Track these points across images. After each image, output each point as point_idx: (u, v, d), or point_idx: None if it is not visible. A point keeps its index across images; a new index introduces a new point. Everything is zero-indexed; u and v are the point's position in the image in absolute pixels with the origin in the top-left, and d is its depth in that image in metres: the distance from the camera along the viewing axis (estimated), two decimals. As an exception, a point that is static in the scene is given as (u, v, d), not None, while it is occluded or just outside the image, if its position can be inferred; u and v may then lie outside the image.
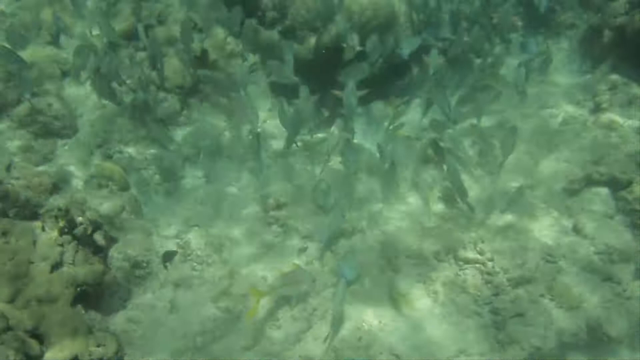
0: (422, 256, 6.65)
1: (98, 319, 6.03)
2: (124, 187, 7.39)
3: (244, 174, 8.11)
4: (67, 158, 7.91)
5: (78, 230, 5.90)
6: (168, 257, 6.76)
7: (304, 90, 7.99)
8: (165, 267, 6.69)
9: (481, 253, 6.48)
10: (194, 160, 8.37)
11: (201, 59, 8.75)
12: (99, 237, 5.99)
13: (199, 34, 8.81)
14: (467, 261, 6.48)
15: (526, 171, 7.50)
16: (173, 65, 8.58)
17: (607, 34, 8.89)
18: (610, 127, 7.76)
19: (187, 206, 7.59)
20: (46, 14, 8.87)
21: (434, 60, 8.33)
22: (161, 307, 6.40)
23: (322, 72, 8.63)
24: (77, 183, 7.54)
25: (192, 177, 8.20)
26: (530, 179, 7.42)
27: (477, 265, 6.42)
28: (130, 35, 8.92)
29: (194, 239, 6.96)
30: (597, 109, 8.13)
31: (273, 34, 8.99)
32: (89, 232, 5.95)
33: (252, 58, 9.15)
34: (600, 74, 8.65)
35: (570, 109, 8.42)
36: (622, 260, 6.57)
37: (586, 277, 6.50)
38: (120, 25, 8.90)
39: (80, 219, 6.00)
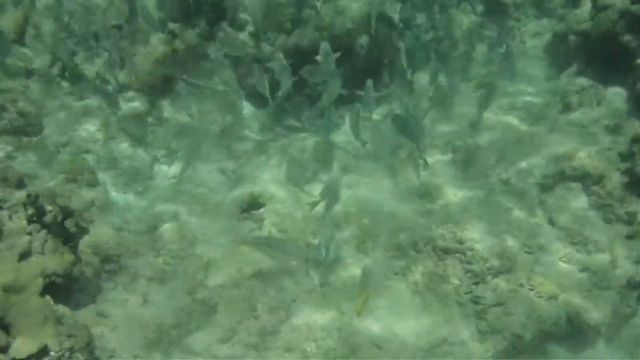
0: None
1: (67, 312, 5.75)
2: (93, 183, 7.15)
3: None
4: (32, 156, 7.64)
5: (48, 218, 5.64)
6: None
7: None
8: None
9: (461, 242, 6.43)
10: (162, 161, 8.23)
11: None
12: (70, 224, 5.74)
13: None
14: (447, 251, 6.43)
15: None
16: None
17: (572, 39, 9.09)
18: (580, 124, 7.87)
19: (158, 203, 7.40)
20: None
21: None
22: (133, 302, 6.15)
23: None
24: (44, 180, 7.28)
25: (162, 178, 8.05)
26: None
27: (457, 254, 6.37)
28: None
29: (166, 232, 6.75)
30: (566, 109, 8.23)
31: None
32: (59, 219, 5.70)
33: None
34: (567, 77, 8.80)
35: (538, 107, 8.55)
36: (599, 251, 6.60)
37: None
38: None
39: (49, 207, 5.74)
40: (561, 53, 9.38)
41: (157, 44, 8.48)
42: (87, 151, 7.94)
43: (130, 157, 8.05)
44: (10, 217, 5.67)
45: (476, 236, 6.48)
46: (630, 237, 6.69)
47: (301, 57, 8.48)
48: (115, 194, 7.51)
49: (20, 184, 6.79)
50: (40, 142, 7.83)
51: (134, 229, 6.84)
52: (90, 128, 8.11)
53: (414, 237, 6.62)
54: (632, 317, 6.21)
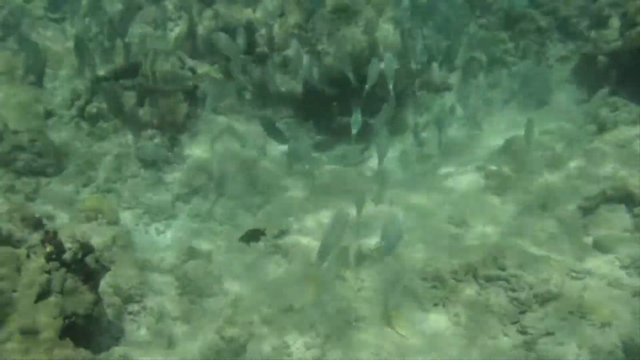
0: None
1: (88, 356, 5.41)
2: (114, 221, 6.89)
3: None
4: (52, 197, 7.44)
5: (67, 255, 5.36)
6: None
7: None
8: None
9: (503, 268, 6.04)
10: (184, 199, 7.99)
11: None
12: (91, 261, 5.44)
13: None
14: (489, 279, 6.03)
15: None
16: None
17: (601, 59, 8.83)
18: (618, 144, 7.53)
19: (182, 240, 7.13)
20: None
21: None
22: (158, 343, 5.80)
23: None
24: (63, 220, 7.05)
25: (185, 215, 7.80)
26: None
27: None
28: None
29: (191, 270, 6.42)
30: (601, 129, 7.91)
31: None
32: (79, 256, 5.41)
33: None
34: (599, 98, 8.50)
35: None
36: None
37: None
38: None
39: (69, 244, 5.46)
40: (590, 75, 9.11)
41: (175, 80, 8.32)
42: (108, 191, 7.73)
43: (152, 195, 7.81)
44: (28, 256, 5.41)
45: (518, 262, 6.08)
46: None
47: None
48: (137, 232, 7.23)
49: (38, 225, 6.57)
50: (60, 182, 7.62)
51: (157, 267, 6.53)
52: (110, 167, 7.91)
53: (453, 265, 6.23)
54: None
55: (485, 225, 6.96)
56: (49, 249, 5.39)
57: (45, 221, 6.68)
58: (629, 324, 5.63)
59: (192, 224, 7.69)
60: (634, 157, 7.28)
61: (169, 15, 9.28)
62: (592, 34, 9.17)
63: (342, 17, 8.73)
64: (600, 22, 9.15)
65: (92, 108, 8.32)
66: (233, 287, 6.32)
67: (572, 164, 7.55)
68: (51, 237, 5.39)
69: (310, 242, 6.76)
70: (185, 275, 6.30)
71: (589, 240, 6.69)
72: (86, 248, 5.51)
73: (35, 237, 6.34)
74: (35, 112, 8.11)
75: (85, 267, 5.44)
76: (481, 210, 7.16)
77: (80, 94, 8.38)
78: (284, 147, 8.40)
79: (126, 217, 7.54)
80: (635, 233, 6.65)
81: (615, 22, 8.86)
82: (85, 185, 7.74)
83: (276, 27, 8.90)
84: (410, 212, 7.18)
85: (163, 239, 7.55)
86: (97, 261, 5.50)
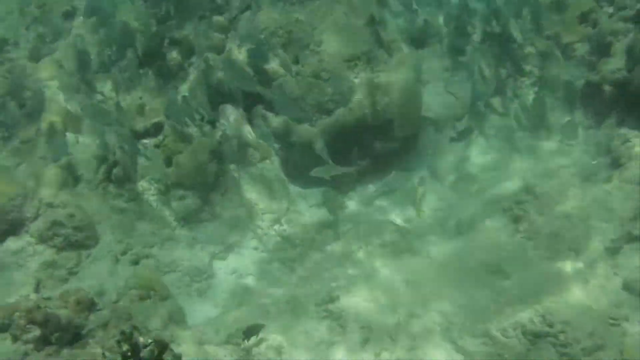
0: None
1: None
2: (165, 296, 7.04)
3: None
4: (94, 270, 7.55)
5: (145, 354, 5.51)
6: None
7: None
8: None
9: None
10: (220, 256, 8.16)
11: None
12: (169, 358, 5.61)
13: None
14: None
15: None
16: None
17: (607, 89, 9.11)
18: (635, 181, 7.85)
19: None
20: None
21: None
22: None
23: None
24: (111, 295, 7.16)
25: (223, 275, 7.98)
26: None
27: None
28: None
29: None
30: (615, 164, 8.23)
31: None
32: (156, 354, 5.57)
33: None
34: (608, 128, 8.82)
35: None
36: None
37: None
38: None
39: (142, 339, 5.61)
40: (596, 102, 9.37)
41: (201, 139, 8.42)
42: (147, 256, 7.85)
43: (189, 257, 7.97)
44: (104, 356, 5.56)
45: (565, 317, 6.42)
46: None
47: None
48: (183, 302, 7.38)
49: (92, 307, 6.72)
50: (99, 253, 7.72)
51: (214, 341, 6.72)
52: (145, 232, 8.03)
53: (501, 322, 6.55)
54: None
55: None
56: (124, 347, 5.54)
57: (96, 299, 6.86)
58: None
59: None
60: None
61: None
62: (596, 61, 9.44)
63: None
64: (602, 49, 9.43)
65: (118, 171, 8.39)
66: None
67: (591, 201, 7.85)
68: (128, 336, 5.53)
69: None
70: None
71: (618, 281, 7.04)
72: (162, 345, 5.67)
73: (93, 319, 6.54)
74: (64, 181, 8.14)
75: (162, 363, 5.60)
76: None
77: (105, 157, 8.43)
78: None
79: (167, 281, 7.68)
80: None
81: (618, 49, 9.13)
82: (123, 254, 7.83)
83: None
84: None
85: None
86: (175, 357, 5.67)
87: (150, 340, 5.62)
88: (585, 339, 6.26)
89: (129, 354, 5.54)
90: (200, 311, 7.41)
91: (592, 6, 9.95)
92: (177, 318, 6.83)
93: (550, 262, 7.30)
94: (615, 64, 9.07)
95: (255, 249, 8.27)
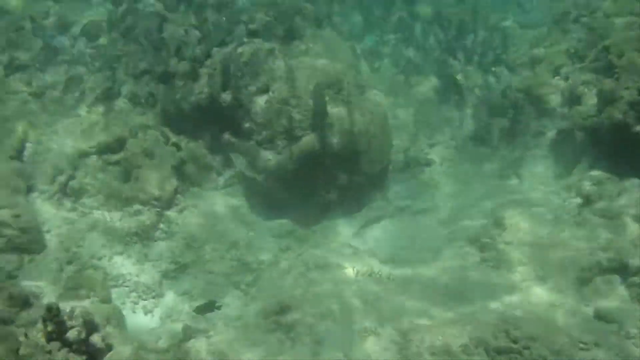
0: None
1: None
2: (106, 299, 6.58)
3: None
4: (35, 275, 7.08)
5: (70, 334, 5.05)
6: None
7: None
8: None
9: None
10: (171, 275, 7.75)
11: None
12: (97, 340, 5.13)
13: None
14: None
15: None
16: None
17: (579, 135, 9.09)
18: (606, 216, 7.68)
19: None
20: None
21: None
22: None
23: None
24: (50, 299, 6.67)
25: (173, 294, 7.55)
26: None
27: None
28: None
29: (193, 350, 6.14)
30: (587, 202, 8.07)
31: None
32: (82, 335, 5.10)
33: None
34: (579, 172, 8.73)
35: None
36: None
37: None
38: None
39: (71, 321, 5.15)
40: (567, 150, 9.34)
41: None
42: (93, 267, 7.42)
43: (138, 273, 7.56)
44: (26, 336, 5.09)
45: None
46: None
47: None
48: (127, 312, 6.92)
49: (26, 303, 6.25)
50: (43, 259, 7.29)
51: (153, 349, 6.21)
52: (95, 244, 7.64)
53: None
54: None
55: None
56: (49, 327, 5.09)
57: (32, 299, 6.39)
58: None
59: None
60: (624, 227, 7.42)
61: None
62: (568, 110, 9.48)
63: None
64: (574, 99, 9.50)
65: (75, 184, 8.09)
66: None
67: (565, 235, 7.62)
68: (54, 314, 5.09)
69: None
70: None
71: (589, 310, 6.71)
72: (90, 326, 5.22)
73: (24, 315, 6.06)
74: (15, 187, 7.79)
75: (89, 346, 5.13)
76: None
77: (62, 170, 8.15)
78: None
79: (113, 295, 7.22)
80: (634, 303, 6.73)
81: (590, 99, 9.19)
82: (69, 262, 7.40)
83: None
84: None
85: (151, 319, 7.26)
86: (102, 340, 5.20)
87: (77, 321, 5.19)
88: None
89: (54, 334, 5.09)
90: (142, 323, 6.91)
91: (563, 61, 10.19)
92: (116, 322, 6.34)
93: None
94: (585, 111, 9.10)
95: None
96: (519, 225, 7.81)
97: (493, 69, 10.87)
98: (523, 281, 7.10)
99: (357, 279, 7.24)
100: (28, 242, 7.27)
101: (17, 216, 7.25)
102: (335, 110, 8.69)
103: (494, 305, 6.75)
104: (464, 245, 7.78)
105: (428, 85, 11.00)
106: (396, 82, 11.01)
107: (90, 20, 10.09)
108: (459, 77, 10.89)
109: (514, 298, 6.85)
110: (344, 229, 8.54)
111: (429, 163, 10.02)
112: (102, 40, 9.90)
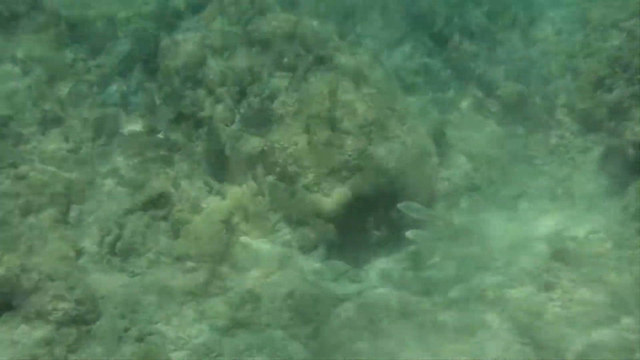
0: None
1: None
2: (172, 372, 6.47)
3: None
4: (96, 346, 6.99)
5: None
6: None
7: None
8: None
9: None
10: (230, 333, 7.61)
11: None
12: None
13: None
14: None
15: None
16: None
17: (631, 152, 8.84)
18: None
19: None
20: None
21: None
22: None
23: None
24: (114, 375, 6.59)
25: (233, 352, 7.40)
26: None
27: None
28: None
29: None
30: (646, 227, 7.84)
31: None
32: None
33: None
34: (636, 192, 8.49)
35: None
36: None
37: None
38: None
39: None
40: (618, 167, 9.10)
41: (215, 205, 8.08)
42: (150, 333, 7.29)
43: (197, 334, 7.42)
44: None
45: None
46: None
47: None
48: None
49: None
50: (101, 329, 7.18)
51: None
52: (150, 307, 7.51)
53: None
54: None
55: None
56: None
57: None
58: None
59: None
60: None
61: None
62: (616, 125, 9.21)
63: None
64: (621, 113, 9.22)
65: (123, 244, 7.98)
66: None
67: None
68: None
69: None
70: None
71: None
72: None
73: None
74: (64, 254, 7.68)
75: None
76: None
77: (110, 229, 8.03)
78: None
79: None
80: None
81: (637, 113, 8.92)
82: (126, 330, 7.27)
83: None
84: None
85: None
86: None
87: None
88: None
89: None
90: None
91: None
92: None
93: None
94: (637, 127, 8.84)
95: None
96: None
97: None
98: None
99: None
100: (84, 313, 7.15)
101: (72, 288, 7.14)
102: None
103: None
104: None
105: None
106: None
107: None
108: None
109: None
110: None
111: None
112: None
